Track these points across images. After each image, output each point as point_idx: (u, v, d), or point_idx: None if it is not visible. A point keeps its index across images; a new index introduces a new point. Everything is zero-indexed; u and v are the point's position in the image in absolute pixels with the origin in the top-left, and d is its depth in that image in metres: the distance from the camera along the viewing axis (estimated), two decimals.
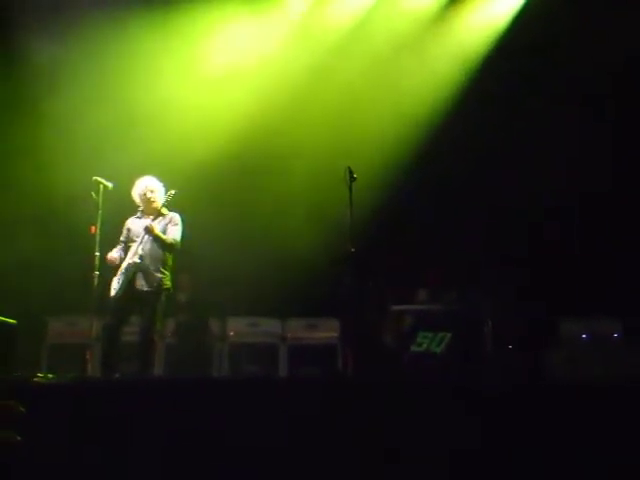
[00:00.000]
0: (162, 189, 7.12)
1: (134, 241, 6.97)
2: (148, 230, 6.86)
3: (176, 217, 7.12)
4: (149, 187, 7.10)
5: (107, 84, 9.53)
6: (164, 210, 7.04)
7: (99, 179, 7.10)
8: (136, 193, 7.11)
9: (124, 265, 6.91)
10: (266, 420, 4.85)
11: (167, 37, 9.56)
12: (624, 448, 3.20)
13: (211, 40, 9.89)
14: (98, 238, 6.98)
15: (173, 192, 7.00)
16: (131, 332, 7.12)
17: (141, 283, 6.89)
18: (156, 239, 6.91)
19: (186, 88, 9.79)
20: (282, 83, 9.93)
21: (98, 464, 2.63)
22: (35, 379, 5.96)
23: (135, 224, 7.12)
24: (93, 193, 7.04)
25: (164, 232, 6.97)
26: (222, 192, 10.08)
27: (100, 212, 7.01)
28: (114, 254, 6.99)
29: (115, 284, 6.89)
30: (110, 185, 7.14)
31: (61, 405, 4.97)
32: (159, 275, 6.96)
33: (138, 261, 6.85)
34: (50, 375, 6.46)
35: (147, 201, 7.07)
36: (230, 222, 10.05)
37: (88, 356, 7.14)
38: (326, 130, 9.73)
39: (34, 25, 9.45)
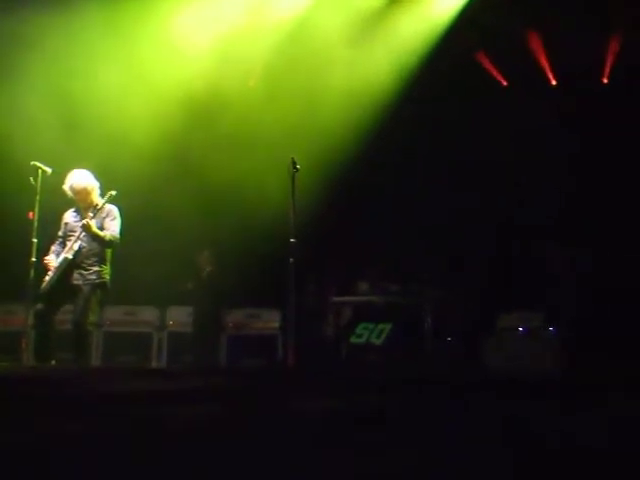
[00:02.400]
0: (96, 184, 6.96)
1: (72, 235, 6.83)
2: (85, 228, 6.71)
3: (114, 210, 6.95)
4: (81, 183, 6.89)
5: (47, 66, 9.33)
6: (100, 202, 6.86)
7: (38, 164, 6.94)
8: (68, 188, 6.91)
9: (59, 259, 6.78)
10: (206, 409, 4.82)
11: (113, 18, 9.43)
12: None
13: (159, 20, 9.76)
14: (36, 224, 6.84)
15: (113, 193, 6.83)
16: (68, 320, 7.01)
17: (75, 277, 6.77)
18: (93, 236, 6.77)
19: (131, 70, 9.65)
20: (231, 68, 9.89)
21: (30, 452, 2.57)
22: None
23: (72, 218, 6.96)
24: (31, 178, 6.89)
25: (102, 227, 6.83)
26: (162, 181, 9.99)
27: (38, 197, 6.86)
28: (51, 257, 6.84)
29: (47, 278, 6.76)
30: (49, 170, 6.98)
31: None
32: (96, 269, 6.83)
33: (70, 257, 6.71)
34: None
35: (80, 197, 6.91)
36: (167, 213, 9.99)
37: (24, 344, 7.02)
38: (272, 119, 9.70)
39: None
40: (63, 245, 6.89)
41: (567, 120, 10.07)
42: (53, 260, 6.78)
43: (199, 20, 9.92)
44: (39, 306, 6.73)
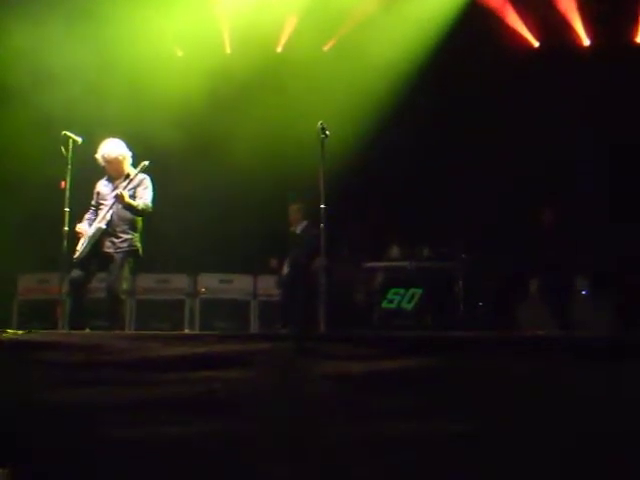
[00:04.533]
0: (128, 153, 6.97)
1: (104, 204, 6.86)
2: (118, 199, 6.73)
3: (146, 180, 6.95)
4: (113, 153, 6.89)
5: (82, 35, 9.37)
6: (132, 172, 6.88)
7: (68, 133, 6.95)
8: (100, 157, 6.93)
9: (92, 228, 6.81)
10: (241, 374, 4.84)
11: None
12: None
13: None
14: (68, 194, 6.87)
15: (146, 163, 6.83)
16: (102, 288, 7.08)
17: (108, 245, 6.81)
18: (127, 206, 6.80)
19: (161, 35, 9.66)
20: (259, 34, 9.87)
21: (71, 417, 2.62)
22: (4, 335, 5.92)
23: (104, 188, 6.99)
24: (62, 148, 6.91)
25: (134, 196, 6.84)
26: (192, 151, 10.01)
27: (69, 167, 6.89)
28: (83, 226, 6.87)
29: (79, 246, 6.80)
30: (80, 140, 7.00)
31: (31, 359, 4.93)
32: (127, 236, 6.86)
33: (104, 227, 6.74)
34: (20, 331, 6.40)
35: (111, 166, 6.93)
36: (200, 178, 10.00)
37: (58, 312, 7.10)
38: (300, 85, 9.65)
39: None
40: (95, 214, 6.93)
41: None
42: (84, 228, 6.83)
43: None
44: (73, 274, 6.79)
